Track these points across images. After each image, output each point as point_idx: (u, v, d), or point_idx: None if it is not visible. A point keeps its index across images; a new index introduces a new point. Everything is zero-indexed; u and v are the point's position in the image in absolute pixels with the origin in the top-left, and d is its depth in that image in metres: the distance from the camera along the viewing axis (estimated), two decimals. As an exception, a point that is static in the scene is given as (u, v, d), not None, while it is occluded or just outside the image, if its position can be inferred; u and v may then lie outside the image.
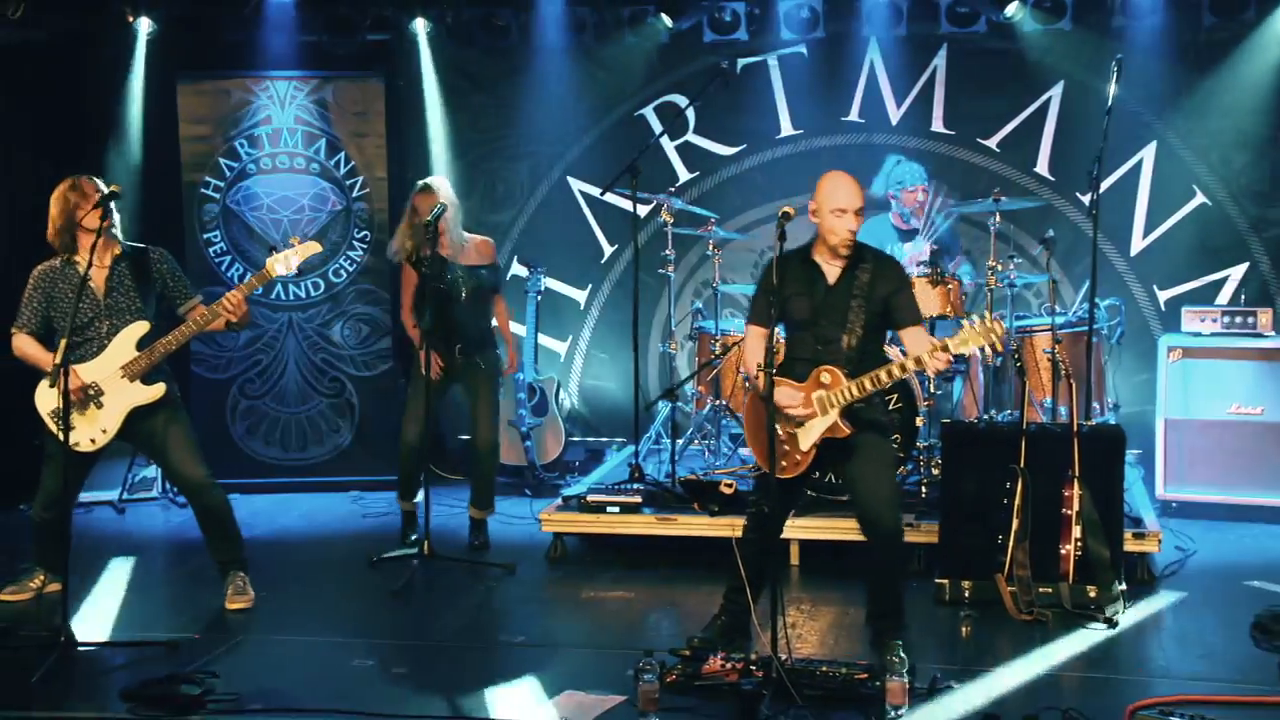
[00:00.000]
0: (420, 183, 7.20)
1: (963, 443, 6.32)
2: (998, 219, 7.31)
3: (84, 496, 7.59)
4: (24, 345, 6.07)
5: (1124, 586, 5.97)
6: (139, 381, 6.00)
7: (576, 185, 9.10)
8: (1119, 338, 7.91)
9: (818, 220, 5.36)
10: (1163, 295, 8.45)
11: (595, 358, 9.24)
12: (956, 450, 6.31)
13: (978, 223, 8.21)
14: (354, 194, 8.70)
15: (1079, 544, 5.98)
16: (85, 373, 5.94)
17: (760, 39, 8.73)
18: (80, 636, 5.54)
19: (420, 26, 8.83)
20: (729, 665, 5.05)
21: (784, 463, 5.35)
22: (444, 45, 8.96)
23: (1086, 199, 7.36)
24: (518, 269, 9.06)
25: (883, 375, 5.23)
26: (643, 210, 7.93)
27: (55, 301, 6.04)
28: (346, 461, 8.75)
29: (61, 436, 5.63)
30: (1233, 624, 5.74)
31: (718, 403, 7.80)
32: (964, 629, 5.75)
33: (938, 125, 8.67)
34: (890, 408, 6.95)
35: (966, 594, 6.06)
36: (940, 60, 8.61)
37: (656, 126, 8.84)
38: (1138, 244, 8.49)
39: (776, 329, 5.28)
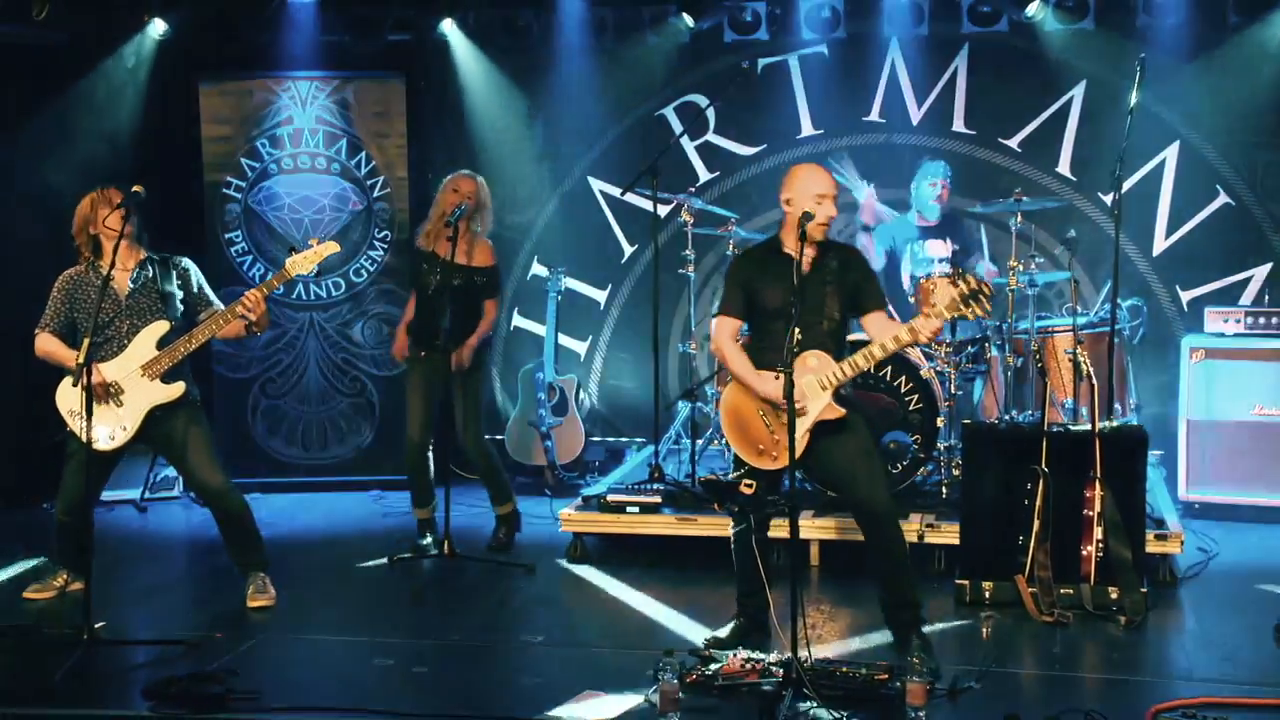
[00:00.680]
0: (465, 171, 7.20)
1: (984, 443, 6.29)
2: (1019, 219, 7.28)
3: (106, 495, 7.62)
4: (47, 344, 6.11)
5: (1146, 588, 5.94)
6: (159, 380, 6.03)
7: (597, 185, 9.10)
8: (1140, 338, 7.87)
9: (791, 209, 5.38)
10: (1185, 295, 8.40)
11: (615, 358, 9.23)
12: (977, 451, 6.28)
13: (999, 222, 8.18)
14: (375, 194, 8.73)
15: (1100, 545, 5.96)
16: (106, 371, 5.98)
17: (781, 39, 8.71)
18: (102, 635, 5.56)
19: (449, 27, 8.81)
20: (749, 665, 5.05)
21: (774, 454, 5.40)
22: (465, 45, 8.96)
23: (1109, 199, 7.33)
24: (538, 269, 9.07)
25: (876, 350, 5.26)
26: (663, 210, 7.93)
27: (78, 303, 6.08)
28: (367, 461, 8.77)
29: (82, 435, 5.66)
30: (1256, 626, 5.72)
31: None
32: (985, 630, 5.74)
33: (959, 125, 8.64)
34: (911, 408, 6.95)
35: (987, 595, 6.05)
36: (961, 60, 8.58)
37: (677, 126, 8.84)
38: (1160, 244, 8.44)
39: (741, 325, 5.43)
